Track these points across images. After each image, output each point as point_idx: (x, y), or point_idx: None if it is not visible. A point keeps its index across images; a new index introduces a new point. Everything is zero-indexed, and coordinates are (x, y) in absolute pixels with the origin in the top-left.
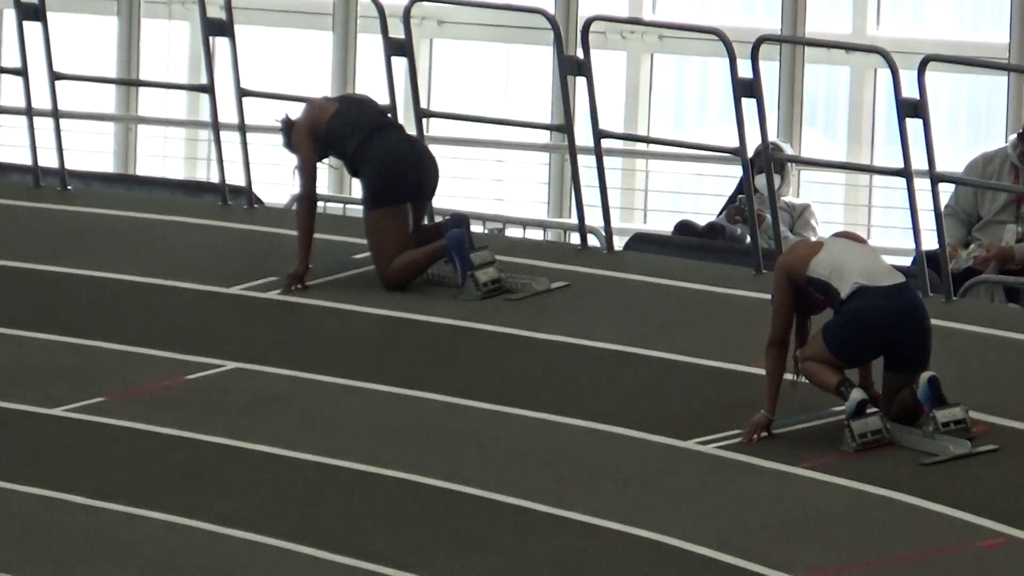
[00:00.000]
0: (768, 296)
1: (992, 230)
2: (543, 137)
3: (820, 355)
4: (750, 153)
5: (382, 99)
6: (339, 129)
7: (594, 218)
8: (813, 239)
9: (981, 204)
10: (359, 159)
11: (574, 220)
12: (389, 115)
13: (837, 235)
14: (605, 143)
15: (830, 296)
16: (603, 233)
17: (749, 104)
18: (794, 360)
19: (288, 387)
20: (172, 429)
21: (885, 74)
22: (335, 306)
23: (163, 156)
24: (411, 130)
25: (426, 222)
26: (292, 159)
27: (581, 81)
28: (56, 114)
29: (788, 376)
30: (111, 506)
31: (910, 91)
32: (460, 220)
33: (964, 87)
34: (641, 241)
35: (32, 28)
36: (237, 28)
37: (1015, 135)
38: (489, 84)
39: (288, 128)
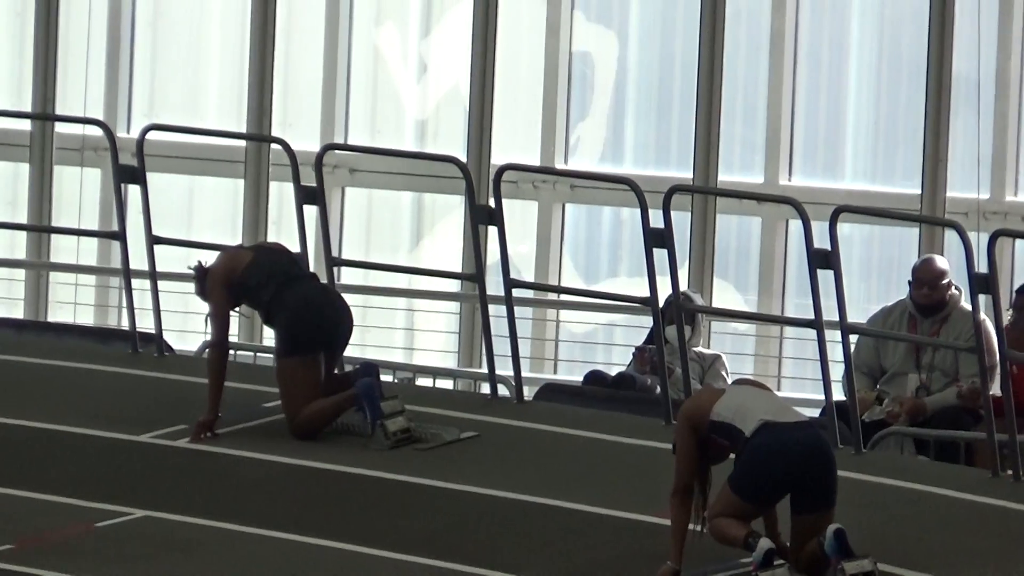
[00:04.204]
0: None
1: (897, 382)
2: (454, 286)
3: (727, 507)
4: (661, 303)
5: (294, 246)
6: (254, 278)
7: (504, 368)
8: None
9: (884, 357)
10: (274, 308)
11: (484, 369)
12: (302, 263)
13: (739, 382)
14: (516, 292)
15: (734, 438)
16: (513, 383)
17: (660, 254)
18: (700, 512)
19: (197, 535)
20: None
21: (797, 225)
22: (244, 454)
23: (74, 303)
24: (323, 278)
25: (336, 371)
26: (203, 306)
27: (493, 230)
28: None
29: (693, 527)
30: None
31: (822, 242)
32: (370, 369)
33: (876, 238)
34: (551, 391)
35: None
36: (149, 175)
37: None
38: (401, 232)
39: (202, 275)
